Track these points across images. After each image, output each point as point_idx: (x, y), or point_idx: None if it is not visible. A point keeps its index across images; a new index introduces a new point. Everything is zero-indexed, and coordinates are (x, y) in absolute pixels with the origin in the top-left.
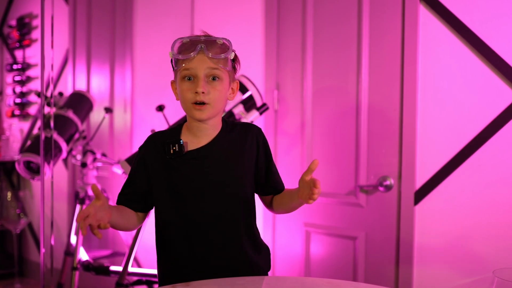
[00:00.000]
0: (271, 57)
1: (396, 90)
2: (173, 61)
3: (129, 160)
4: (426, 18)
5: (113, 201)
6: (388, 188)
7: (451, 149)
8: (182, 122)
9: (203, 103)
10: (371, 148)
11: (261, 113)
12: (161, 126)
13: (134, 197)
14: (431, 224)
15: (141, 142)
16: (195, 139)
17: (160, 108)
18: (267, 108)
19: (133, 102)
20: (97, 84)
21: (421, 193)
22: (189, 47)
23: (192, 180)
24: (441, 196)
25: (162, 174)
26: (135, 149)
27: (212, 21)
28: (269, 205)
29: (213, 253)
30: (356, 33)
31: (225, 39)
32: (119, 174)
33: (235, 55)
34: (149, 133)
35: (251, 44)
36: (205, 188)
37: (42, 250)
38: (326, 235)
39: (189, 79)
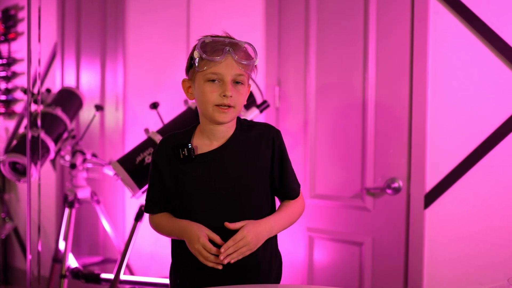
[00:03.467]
0: (272, 52)
1: (405, 86)
2: (194, 61)
3: (121, 161)
4: (437, 9)
5: (105, 205)
6: (396, 190)
7: (463, 149)
8: (195, 124)
9: (228, 106)
10: (379, 148)
11: (261, 111)
12: (155, 124)
13: (163, 199)
14: (442, 228)
15: (134, 142)
16: (208, 142)
17: (154, 105)
18: (268, 106)
19: (125, 100)
20: (87, 80)
21: (431, 196)
22: (215, 49)
23: (200, 184)
24: (452, 199)
25: (173, 178)
26: (128, 149)
27: (209, 13)
28: None
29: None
30: (362, 25)
31: (248, 43)
32: (110, 176)
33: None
34: (143, 132)
35: (250, 37)
36: (214, 192)
37: (29, 256)
38: (330, 240)
39: (213, 81)
